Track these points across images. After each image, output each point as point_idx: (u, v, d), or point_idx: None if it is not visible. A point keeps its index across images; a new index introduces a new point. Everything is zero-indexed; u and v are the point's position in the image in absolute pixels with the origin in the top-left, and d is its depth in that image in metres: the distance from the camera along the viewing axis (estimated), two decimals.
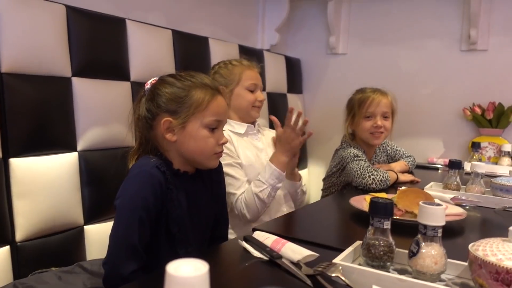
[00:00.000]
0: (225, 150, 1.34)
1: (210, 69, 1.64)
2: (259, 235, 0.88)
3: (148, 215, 0.91)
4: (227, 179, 1.34)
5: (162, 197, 0.93)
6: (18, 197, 1.19)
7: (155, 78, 1.03)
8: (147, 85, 1.02)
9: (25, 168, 1.22)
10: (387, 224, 0.75)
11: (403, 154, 1.95)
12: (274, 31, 2.57)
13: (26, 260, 1.20)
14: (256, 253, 0.83)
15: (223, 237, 1.18)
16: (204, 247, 1.09)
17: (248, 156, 1.47)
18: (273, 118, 1.45)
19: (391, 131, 1.81)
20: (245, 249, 0.86)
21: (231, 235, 1.35)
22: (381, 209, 0.74)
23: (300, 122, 1.37)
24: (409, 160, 1.91)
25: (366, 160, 1.68)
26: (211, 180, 1.10)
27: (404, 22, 2.44)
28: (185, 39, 1.84)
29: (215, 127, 0.99)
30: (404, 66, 2.45)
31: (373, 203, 0.75)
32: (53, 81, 1.32)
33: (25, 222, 1.21)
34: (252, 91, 1.53)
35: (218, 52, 1.99)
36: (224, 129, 1.38)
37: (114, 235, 0.92)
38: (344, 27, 2.61)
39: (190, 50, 1.86)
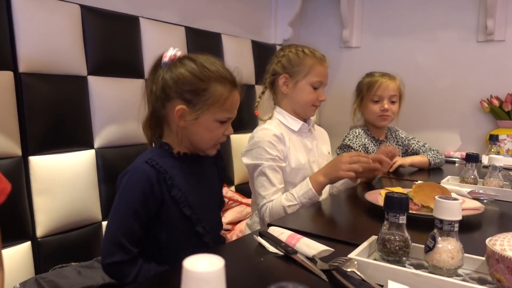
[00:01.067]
0: (272, 150, 1.32)
1: (275, 52, 1.52)
2: (274, 230, 0.89)
3: (146, 206, 0.92)
4: (262, 179, 1.32)
5: (160, 188, 0.94)
6: (38, 194, 1.22)
7: (175, 52, 0.97)
8: (165, 58, 0.97)
9: (44, 166, 1.24)
10: (402, 219, 0.74)
11: (423, 146, 1.91)
12: (287, 25, 2.56)
13: (46, 255, 1.24)
14: (272, 248, 0.83)
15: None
16: (218, 228, 1.10)
17: (298, 159, 1.40)
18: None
19: (397, 115, 1.87)
20: (260, 244, 0.86)
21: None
22: (396, 204, 0.74)
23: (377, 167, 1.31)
24: (430, 154, 1.85)
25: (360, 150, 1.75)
26: (215, 164, 1.11)
27: (418, 13, 2.40)
28: (198, 35, 1.85)
29: (225, 121, 1.00)
30: (419, 59, 2.42)
31: (388, 198, 0.74)
32: (70, 80, 1.35)
33: (45, 218, 1.24)
34: (315, 88, 1.43)
35: (231, 48, 1.99)
36: (277, 122, 1.42)
37: (106, 227, 0.95)
38: (357, 20, 2.59)
39: (203, 47, 1.87)
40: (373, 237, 0.82)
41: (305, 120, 1.49)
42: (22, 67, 1.23)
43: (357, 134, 1.82)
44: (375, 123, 1.85)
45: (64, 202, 1.28)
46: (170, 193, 0.95)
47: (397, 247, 0.74)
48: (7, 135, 1.18)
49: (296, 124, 1.45)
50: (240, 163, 1.94)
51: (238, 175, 1.98)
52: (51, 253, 1.25)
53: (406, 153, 1.92)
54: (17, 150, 1.21)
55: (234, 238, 1.58)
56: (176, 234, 0.98)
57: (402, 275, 0.67)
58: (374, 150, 1.82)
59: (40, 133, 1.25)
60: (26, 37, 1.24)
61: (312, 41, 2.83)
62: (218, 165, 1.13)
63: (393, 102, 1.83)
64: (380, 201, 1.15)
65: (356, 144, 1.79)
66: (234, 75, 1.01)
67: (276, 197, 1.31)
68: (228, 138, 1.95)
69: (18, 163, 1.20)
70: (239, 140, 1.99)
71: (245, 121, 2.07)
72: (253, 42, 2.16)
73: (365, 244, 0.79)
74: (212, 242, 1.02)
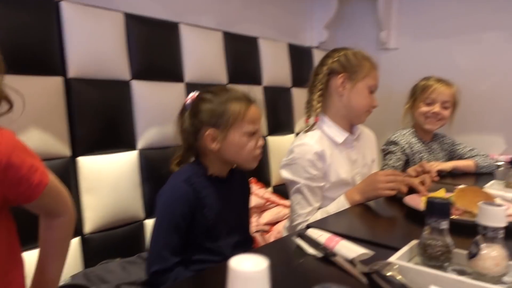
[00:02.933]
0: (311, 169, 1.29)
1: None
2: (313, 232, 0.90)
3: (184, 221, 1.04)
4: (298, 197, 1.31)
5: (195, 205, 1.05)
6: (86, 192, 1.29)
7: (193, 93, 1.13)
8: (187, 101, 1.13)
9: (91, 166, 1.31)
10: (444, 225, 0.74)
11: (470, 151, 1.87)
12: (323, 28, 2.55)
13: (94, 250, 1.30)
14: (311, 250, 0.84)
15: (250, 239, 1.26)
16: (239, 245, 1.14)
17: (339, 174, 1.35)
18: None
19: (450, 123, 1.86)
20: (299, 246, 0.87)
21: None
22: (438, 209, 0.73)
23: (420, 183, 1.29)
24: (477, 158, 1.81)
25: (401, 157, 1.76)
26: (243, 186, 1.22)
27: (459, 14, 2.33)
28: (235, 40, 1.88)
29: (253, 133, 1.09)
30: (460, 60, 2.35)
31: (429, 203, 0.74)
32: (114, 84, 1.41)
33: (92, 216, 1.30)
34: (371, 92, 1.39)
35: (268, 51, 2.01)
36: (320, 135, 1.35)
37: (152, 237, 1.06)
38: (395, 21, 2.54)
39: (241, 51, 1.90)
40: (414, 241, 0.81)
41: (351, 128, 1.44)
42: (71, 73, 1.30)
43: (404, 133, 1.85)
44: (423, 125, 1.85)
45: (110, 200, 1.34)
46: (202, 211, 1.06)
47: (438, 253, 0.73)
48: (58, 137, 1.25)
49: (341, 135, 1.38)
50: (277, 165, 1.96)
51: (276, 176, 1.99)
52: (97, 249, 1.31)
53: (452, 158, 1.90)
54: (67, 151, 1.28)
55: (272, 239, 1.60)
56: (198, 247, 1.08)
57: (444, 281, 0.66)
58: (419, 150, 1.82)
59: (87, 135, 1.32)
60: (74, 44, 1.30)
61: (349, 43, 2.80)
62: (244, 188, 1.24)
63: (445, 108, 1.83)
64: (420, 206, 1.13)
65: (403, 142, 1.81)
66: (248, 94, 1.13)
67: (312, 215, 1.30)
68: (265, 139, 1.97)
69: (68, 164, 1.27)
70: (276, 142, 2.01)
71: (282, 123, 2.09)
72: (289, 45, 2.17)
73: (405, 248, 0.79)
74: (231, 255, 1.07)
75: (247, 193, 1.26)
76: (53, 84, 1.25)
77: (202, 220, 1.06)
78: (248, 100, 1.11)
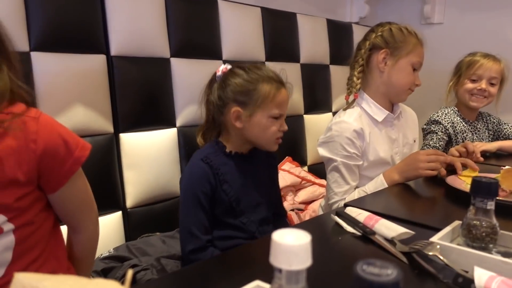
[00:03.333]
0: (349, 147, 1.28)
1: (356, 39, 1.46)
2: (351, 211, 0.89)
3: (206, 198, 1.04)
4: (335, 175, 1.30)
5: (214, 181, 1.05)
6: (127, 168, 1.33)
7: (225, 66, 1.11)
8: (218, 72, 1.11)
9: (132, 142, 1.35)
10: (490, 205, 0.71)
11: None
12: (364, 2, 2.47)
13: (135, 224, 1.35)
14: (349, 228, 0.84)
15: (282, 215, 1.23)
16: (267, 223, 1.14)
17: (378, 153, 1.33)
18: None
19: (497, 101, 1.78)
20: (337, 224, 0.87)
21: None
22: (484, 188, 0.71)
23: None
24: None
25: (443, 137, 1.70)
26: (267, 163, 1.18)
27: None
28: (274, 15, 1.85)
29: (278, 117, 1.07)
30: (509, 34, 2.22)
31: (476, 182, 0.71)
32: (155, 62, 1.43)
33: (133, 190, 1.35)
34: (414, 70, 1.34)
35: (306, 28, 1.98)
36: (359, 113, 1.33)
37: (180, 218, 1.07)
38: None
39: (279, 27, 1.87)
40: (457, 222, 0.79)
41: (392, 107, 1.40)
42: (113, 51, 1.33)
43: (446, 112, 1.79)
44: (468, 103, 1.77)
45: (150, 176, 1.38)
46: (222, 187, 1.05)
47: (483, 234, 0.71)
48: (101, 114, 1.29)
49: (381, 114, 1.35)
50: (313, 144, 1.96)
51: (311, 155, 1.99)
52: (139, 223, 1.36)
53: (498, 139, 1.82)
54: (110, 128, 1.32)
55: (307, 217, 1.61)
56: (223, 224, 1.08)
57: (489, 262, 0.64)
58: (462, 129, 1.76)
59: (129, 112, 1.36)
60: (116, 23, 1.33)
61: (390, 18, 2.70)
62: (270, 163, 1.20)
63: (492, 85, 1.75)
64: (462, 185, 1.10)
65: (445, 121, 1.75)
66: (280, 76, 1.09)
67: (349, 194, 1.29)
68: (301, 118, 1.96)
69: (111, 140, 1.32)
70: (312, 120, 1.99)
71: (319, 101, 2.07)
72: (328, 21, 2.12)
73: (448, 228, 0.77)
74: (258, 233, 1.09)
75: (273, 169, 1.23)
76: (97, 62, 1.29)
77: (223, 197, 1.06)
78: (279, 83, 1.08)
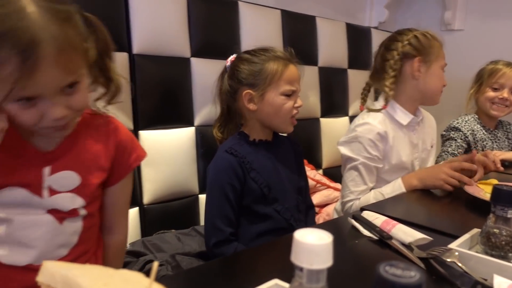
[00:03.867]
0: (372, 149, 1.28)
1: (397, 37, 1.38)
2: (368, 215, 0.89)
3: (233, 190, 1.04)
4: (354, 174, 1.30)
5: (242, 171, 1.05)
6: (146, 164, 1.35)
7: (233, 55, 1.13)
8: (227, 63, 1.13)
9: (151, 139, 1.37)
10: (511, 213, 0.71)
11: None
12: (383, 7, 2.46)
13: (151, 221, 1.37)
14: (366, 232, 0.84)
15: (310, 205, 1.24)
16: (299, 209, 1.14)
17: (401, 157, 1.34)
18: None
19: None
20: (353, 227, 0.87)
21: None
22: (505, 197, 0.70)
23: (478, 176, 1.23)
24: None
25: (462, 145, 1.70)
26: (293, 151, 1.19)
27: None
28: (293, 18, 1.86)
29: (290, 94, 1.08)
30: None
31: (497, 190, 0.71)
32: (175, 61, 1.45)
33: (151, 187, 1.36)
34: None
35: (325, 31, 1.98)
36: (383, 116, 1.32)
37: (205, 211, 1.08)
38: (461, 0, 2.40)
39: (298, 30, 1.88)
40: (475, 230, 0.79)
41: (415, 111, 1.40)
42: (135, 49, 1.35)
43: (467, 119, 1.78)
44: (489, 111, 1.77)
45: (167, 174, 1.39)
46: (250, 175, 1.05)
47: (503, 242, 0.71)
48: (122, 111, 1.31)
49: (406, 117, 1.35)
50: (329, 147, 1.95)
51: (327, 159, 1.98)
52: (154, 219, 1.37)
53: None
54: (130, 125, 1.34)
55: (321, 221, 1.60)
56: (256, 213, 1.07)
57: (509, 271, 0.64)
58: (482, 137, 1.75)
59: (148, 110, 1.37)
60: (139, 21, 1.35)
61: (410, 24, 2.69)
62: (296, 151, 1.20)
63: None
64: (481, 194, 1.09)
65: (465, 128, 1.75)
66: (287, 53, 1.10)
67: (364, 195, 1.29)
68: (317, 121, 1.96)
69: None
70: (328, 124, 1.99)
71: (336, 105, 2.06)
72: (347, 25, 2.12)
73: (466, 236, 0.77)
74: (293, 220, 1.09)
75: (299, 157, 1.22)
76: (119, 60, 1.31)
77: (253, 185, 1.05)
78: (286, 59, 1.08)
